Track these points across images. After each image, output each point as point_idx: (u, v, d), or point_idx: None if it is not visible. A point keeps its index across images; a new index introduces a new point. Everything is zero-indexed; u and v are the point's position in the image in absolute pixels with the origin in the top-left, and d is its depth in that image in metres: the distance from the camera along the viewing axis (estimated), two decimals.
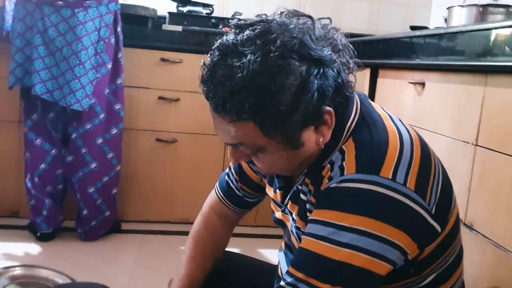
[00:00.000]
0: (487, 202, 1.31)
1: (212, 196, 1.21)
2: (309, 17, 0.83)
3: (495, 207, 1.27)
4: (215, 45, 0.80)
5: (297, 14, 0.83)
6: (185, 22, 2.71)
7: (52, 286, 1.52)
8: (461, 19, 1.89)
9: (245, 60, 0.75)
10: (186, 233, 2.56)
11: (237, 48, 0.76)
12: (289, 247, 1.03)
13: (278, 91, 0.75)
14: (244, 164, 1.12)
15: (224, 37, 0.80)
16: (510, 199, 1.21)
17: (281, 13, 0.83)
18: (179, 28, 2.49)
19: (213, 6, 2.90)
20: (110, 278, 1.97)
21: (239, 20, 0.83)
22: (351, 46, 0.86)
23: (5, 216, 2.46)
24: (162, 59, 2.44)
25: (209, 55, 0.81)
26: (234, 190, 1.15)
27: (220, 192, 1.18)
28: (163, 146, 2.53)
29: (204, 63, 0.81)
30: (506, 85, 1.26)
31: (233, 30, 0.81)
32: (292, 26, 0.79)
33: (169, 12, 2.77)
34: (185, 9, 2.83)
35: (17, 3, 2.12)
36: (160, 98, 2.47)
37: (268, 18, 0.81)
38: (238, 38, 0.77)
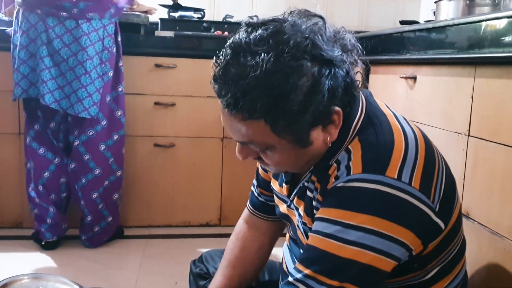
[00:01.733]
0: (481, 190, 1.34)
1: (245, 210, 1.22)
2: (320, 17, 0.84)
3: (489, 195, 1.30)
4: (228, 43, 0.81)
5: (308, 14, 0.84)
6: (177, 27, 2.73)
7: None
8: (448, 13, 1.92)
9: (258, 59, 0.75)
10: (188, 236, 2.61)
11: (250, 47, 0.77)
12: (294, 240, 1.05)
13: (291, 92, 0.76)
14: (260, 168, 1.14)
15: (236, 36, 0.81)
16: (502, 186, 1.25)
17: (292, 12, 0.84)
18: (171, 33, 2.51)
19: (204, 10, 2.93)
20: (115, 284, 2.00)
21: (251, 18, 0.83)
22: (359, 46, 0.87)
23: (9, 227, 2.48)
24: (156, 65, 2.46)
25: (221, 53, 0.81)
26: (257, 197, 1.17)
27: (248, 203, 1.20)
28: (161, 151, 2.55)
29: (216, 61, 0.81)
30: (494, 76, 1.30)
31: (244, 28, 0.81)
32: (304, 26, 0.80)
33: (160, 18, 2.80)
34: (176, 14, 2.85)
35: (19, 17, 2.15)
36: (156, 103, 2.50)
37: (280, 18, 0.82)
38: (251, 37, 0.78)
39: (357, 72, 0.87)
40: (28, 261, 2.17)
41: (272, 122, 0.79)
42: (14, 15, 2.19)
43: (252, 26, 0.81)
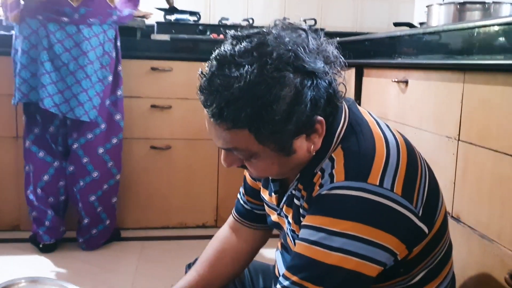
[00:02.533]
0: (471, 194, 1.36)
1: (230, 217, 1.24)
2: (303, 30, 0.86)
3: (478, 199, 1.33)
4: (213, 55, 0.83)
5: (292, 26, 0.87)
6: (173, 31, 2.75)
7: None
8: (440, 17, 1.94)
9: (242, 70, 0.78)
10: (184, 238, 2.62)
11: (234, 59, 0.80)
12: (285, 248, 1.07)
13: (274, 102, 0.78)
14: (248, 176, 1.16)
15: (222, 48, 0.83)
16: (491, 191, 1.27)
17: (277, 25, 0.87)
18: (167, 37, 2.53)
19: (200, 13, 2.94)
20: (112, 286, 2.02)
21: (236, 30, 0.86)
22: (342, 57, 0.89)
23: (7, 230, 2.50)
24: (153, 68, 2.48)
25: (206, 64, 0.84)
26: (243, 205, 1.18)
27: (234, 210, 1.22)
28: (158, 153, 2.57)
29: (201, 72, 0.84)
30: (482, 82, 1.32)
31: (230, 41, 0.84)
32: (287, 39, 0.82)
33: (157, 22, 2.82)
34: (172, 17, 2.87)
35: (21, 22, 2.17)
36: (152, 106, 2.52)
37: (264, 30, 0.85)
38: (236, 49, 0.81)
39: (340, 83, 0.89)
40: (26, 264, 2.19)
41: (256, 131, 0.81)
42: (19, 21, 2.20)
43: (237, 38, 0.83)
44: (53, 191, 2.32)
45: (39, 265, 2.19)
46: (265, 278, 1.26)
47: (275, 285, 0.88)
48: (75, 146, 2.27)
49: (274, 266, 1.17)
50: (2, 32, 2.46)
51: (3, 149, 2.44)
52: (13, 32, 2.25)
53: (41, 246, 2.30)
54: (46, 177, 2.29)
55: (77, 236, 2.37)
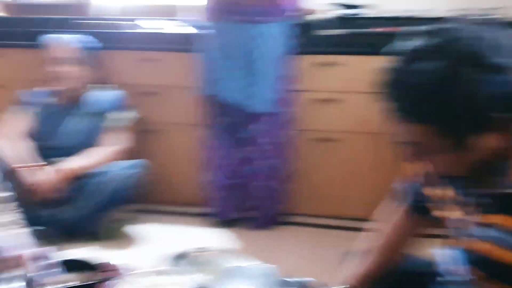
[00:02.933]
0: None
1: (395, 207, 1.29)
2: (496, 24, 0.85)
3: None
4: (401, 50, 0.86)
5: (481, 20, 0.86)
6: (345, 25, 2.77)
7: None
8: None
9: (430, 66, 0.80)
10: (348, 229, 2.66)
11: (423, 55, 0.82)
12: (451, 245, 1.06)
13: (459, 98, 0.79)
14: (416, 171, 1.15)
15: (411, 43, 0.86)
16: None
17: (464, 19, 0.87)
18: (338, 31, 2.59)
19: (373, 7, 2.92)
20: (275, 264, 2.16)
21: (429, 22, 0.88)
22: None
23: (189, 205, 2.81)
24: (324, 63, 2.56)
25: (394, 59, 0.87)
26: (414, 197, 1.21)
27: (403, 202, 1.25)
28: (325, 145, 2.65)
29: (388, 67, 0.87)
30: None
31: (419, 35, 0.86)
32: (479, 34, 0.82)
33: (328, 17, 2.87)
34: (343, 12, 2.90)
35: (211, 23, 2.47)
36: (321, 100, 2.60)
37: (452, 25, 0.86)
38: (425, 44, 0.83)
39: None
40: (201, 236, 2.49)
41: (437, 126, 0.82)
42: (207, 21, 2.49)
43: (426, 33, 0.85)
44: (230, 174, 2.58)
45: (213, 238, 2.46)
46: (412, 265, 1.27)
47: (430, 278, 0.90)
48: (251, 135, 2.50)
49: (433, 260, 1.16)
50: (194, 31, 2.75)
51: (185, 135, 2.77)
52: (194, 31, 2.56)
53: (218, 222, 2.60)
54: (224, 161, 2.57)
55: (249, 217, 2.61)
